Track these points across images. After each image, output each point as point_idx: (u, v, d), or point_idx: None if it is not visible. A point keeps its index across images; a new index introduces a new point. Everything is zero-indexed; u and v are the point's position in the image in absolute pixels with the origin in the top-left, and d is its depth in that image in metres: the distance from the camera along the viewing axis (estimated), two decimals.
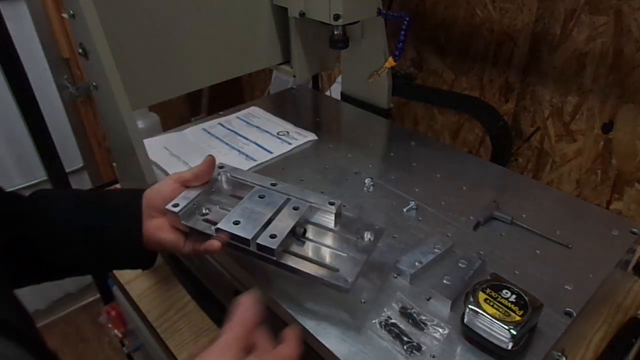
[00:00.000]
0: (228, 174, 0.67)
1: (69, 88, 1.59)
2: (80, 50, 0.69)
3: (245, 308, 0.46)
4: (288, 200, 0.62)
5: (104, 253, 0.60)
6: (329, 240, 0.61)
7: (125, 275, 0.86)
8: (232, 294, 0.73)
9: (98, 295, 1.74)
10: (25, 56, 1.10)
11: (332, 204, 0.61)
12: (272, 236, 0.56)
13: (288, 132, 0.98)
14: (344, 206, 0.63)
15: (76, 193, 0.63)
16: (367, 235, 0.59)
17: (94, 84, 0.72)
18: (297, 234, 0.60)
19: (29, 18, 1.47)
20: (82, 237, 0.59)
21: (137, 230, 0.60)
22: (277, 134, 0.98)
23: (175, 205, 0.60)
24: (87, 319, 1.98)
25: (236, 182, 0.67)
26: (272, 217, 0.59)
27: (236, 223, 0.58)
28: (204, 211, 0.63)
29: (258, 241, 0.55)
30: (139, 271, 0.87)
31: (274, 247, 0.55)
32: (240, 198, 0.63)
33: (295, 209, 0.61)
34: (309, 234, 0.61)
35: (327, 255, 0.59)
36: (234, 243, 0.57)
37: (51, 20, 1.51)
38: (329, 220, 0.62)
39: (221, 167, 0.68)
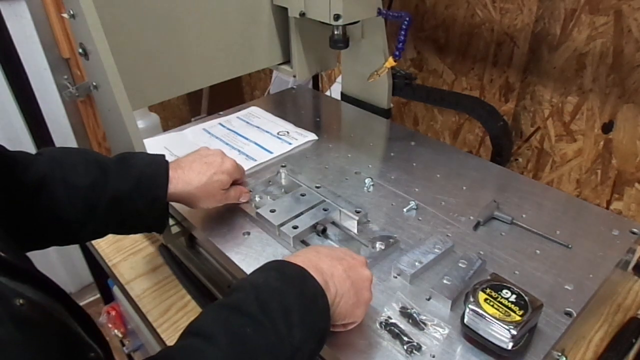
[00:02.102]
0: (286, 172, 0.81)
1: (69, 88, 1.59)
2: (80, 50, 0.69)
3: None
4: (322, 202, 0.73)
5: (127, 222, 0.63)
6: (344, 241, 0.68)
7: (125, 275, 0.86)
8: None
9: (98, 295, 1.74)
10: (25, 56, 1.10)
11: (358, 212, 0.70)
12: (295, 227, 0.68)
13: (288, 132, 0.98)
14: (368, 221, 0.72)
15: (96, 158, 0.62)
16: (379, 245, 0.66)
17: (94, 84, 0.72)
18: (317, 230, 0.70)
19: (29, 18, 1.47)
20: (108, 207, 0.59)
21: (162, 200, 0.62)
22: (277, 134, 0.98)
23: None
24: None
25: (290, 180, 0.80)
26: (303, 212, 0.71)
27: (272, 211, 0.71)
28: (256, 198, 0.76)
29: (282, 228, 0.68)
30: (139, 271, 0.87)
31: (292, 235, 0.66)
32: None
33: (324, 210, 0.71)
34: (332, 234, 0.70)
35: None
36: (266, 226, 0.71)
37: (51, 20, 1.51)
38: (353, 226, 0.70)
39: (283, 166, 0.82)
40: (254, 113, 1.07)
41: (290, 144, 0.94)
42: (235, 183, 0.72)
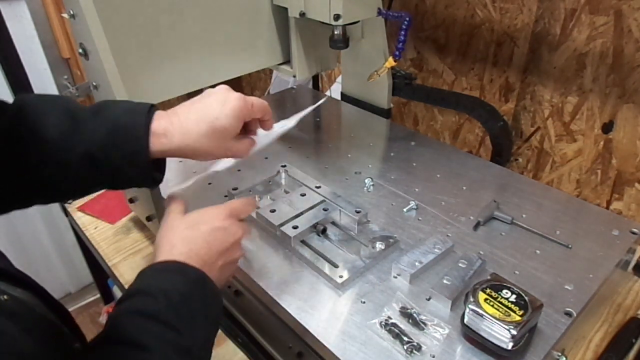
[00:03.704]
0: (287, 172, 0.81)
1: (69, 88, 1.59)
2: (80, 50, 0.69)
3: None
4: (322, 202, 0.73)
5: (107, 177, 0.55)
6: (344, 241, 0.68)
7: (125, 275, 0.86)
8: (232, 293, 0.73)
9: (98, 295, 1.74)
10: (25, 56, 1.10)
11: (358, 212, 0.70)
12: (295, 227, 0.68)
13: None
14: (368, 221, 0.71)
15: (69, 107, 0.54)
16: (379, 245, 0.66)
17: (94, 83, 0.72)
18: (317, 230, 0.69)
19: (29, 18, 1.47)
20: (81, 163, 0.52)
21: (143, 154, 0.53)
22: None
23: (235, 189, 0.76)
24: (87, 319, 1.98)
25: (291, 180, 0.80)
26: (303, 212, 0.71)
27: (272, 211, 0.71)
28: (256, 198, 0.77)
29: (282, 228, 0.68)
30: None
31: (292, 235, 0.66)
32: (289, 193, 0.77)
33: (324, 210, 0.71)
34: (332, 233, 0.70)
35: (335, 253, 0.66)
36: (266, 226, 0.71)
37: (51, 20, 1.51)
38: (353, 226, 0.70)
39: (283, 166, 0.82)
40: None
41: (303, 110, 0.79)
42: (248, 128, 0.61)
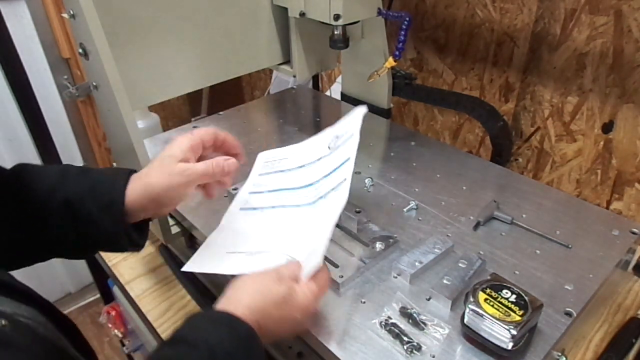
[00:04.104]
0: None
1: (69, 88, 1.59)
2: (80, 50, 0.69)
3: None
4: None
5: (83, 229, 0.56)
6: (345, 241, 0.68)
7: (125, 275, 0.86)
8: None
9: (98, 295, 1.74)
10: (25, 56, 1.10)
11: (358, 212, 0.70)
12: None
13: (337, 137, 0.69)
14: (368, 221, 0.71)
15: (61, 167, 0.59)
16: (379, 245, 0.66)
17: (94, 84, 0.72)
18: None
19: (29, 18, 1.47)
20: (61, 209, 0.54)
21: (118, 206, 0.55)
22: (329, 148, 0.68)
23: (235, 189, 0.74)
24: (87, 319, 1.98)
25: None
26: None
27: None
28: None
29: None
30: (139, 271, 0.87)
31: None
32: None
33: None
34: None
35: (336, 253, 0.66)
36: None
37: (51, 20, 1.51)
38: (353, 226, 0.69)
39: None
40: (268, 157, 0.74)
41: (352, 135, 0.65)
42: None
